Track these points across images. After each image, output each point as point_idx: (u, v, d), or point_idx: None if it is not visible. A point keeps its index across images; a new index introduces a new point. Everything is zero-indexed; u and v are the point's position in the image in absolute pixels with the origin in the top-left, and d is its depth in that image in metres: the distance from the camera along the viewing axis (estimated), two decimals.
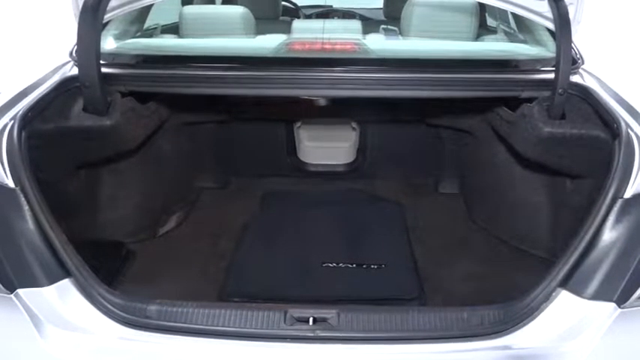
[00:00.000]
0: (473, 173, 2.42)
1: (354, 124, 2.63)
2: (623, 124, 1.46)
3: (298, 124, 2.63)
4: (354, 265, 1.94)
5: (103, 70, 1.69)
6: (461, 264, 2.07)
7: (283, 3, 3.25)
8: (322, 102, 1.92)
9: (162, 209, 2.31)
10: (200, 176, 2.63)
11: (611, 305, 1.22)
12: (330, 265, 1.94)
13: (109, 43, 1.91)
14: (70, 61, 1.85)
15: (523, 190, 2.15)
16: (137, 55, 1.87)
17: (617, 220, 1.29)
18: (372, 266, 1.94)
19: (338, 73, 1.71)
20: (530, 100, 1.74)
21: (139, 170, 2.18)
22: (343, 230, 2.20)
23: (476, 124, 2.26)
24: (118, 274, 1.95)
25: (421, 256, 2.08)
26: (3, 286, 1.24)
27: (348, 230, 2.20)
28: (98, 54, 1.65)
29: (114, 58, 1.82)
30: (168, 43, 2.13)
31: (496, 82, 1.74)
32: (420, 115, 2.44)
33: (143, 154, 2.16)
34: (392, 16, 2.85)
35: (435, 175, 2.67)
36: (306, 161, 2.69)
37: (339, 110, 2.40)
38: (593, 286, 1.23)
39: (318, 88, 1.72)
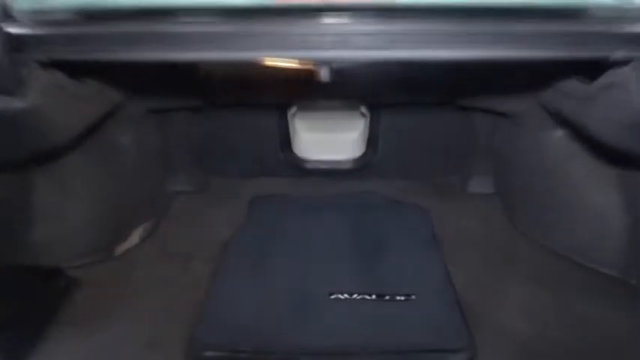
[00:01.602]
0: (514, 168, 1.91)
1: (363, 109, 2.12)
2: None
3: (293, 109, 2.11)
4: (373, 297, 1.43)
5: (11, 30, 1.17)
6: (511, 289, 1.56)
7: None
8: (324, 75, 1.44)
9: (120, 222, 1.79)
10: (172, 178, 2.11)
11: None
12: (341, 296, 1.43)
13: None
14: None
15: (587, 188, 1.64)
16: (62, 9, 1.33)
17: None
18: (398, 297, 1.43)
19: (346, 26, 1.20)
20: (621, 63, 1.23)
21: (88, 172, 1.67)
22: (355, 246, 1.69)
23: (523, 105, 1.74)
24: (55, 313, 1.44)
25: (458, 280, 1.57)
26: None
27: (362, 246, 1.70)
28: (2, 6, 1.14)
29: (27, 15, 1.28)
30: None
31: (573, 36, 1.22)
32: (450, 95, 1.93)
33: (91, 151, 1.64)
34: None
35: (463, 171, 2.16)
36: (304, 157, 2.17)
37: (344, 90, 1.88)
38: None
39: (320, 49, 1.20)
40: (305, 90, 1.87)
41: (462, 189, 2.13)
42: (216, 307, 1.42)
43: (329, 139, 2.20)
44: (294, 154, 2.16)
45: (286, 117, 2.09)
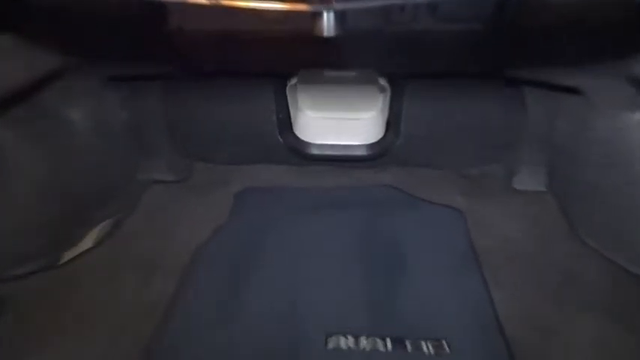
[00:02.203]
0: (579, 160, 1.46)
1: (382, 81, 1.67)
2: None
3: (294, 80, 1.67)
4: (388, 345, 1.01)
5: None
6: (577, 324, 1.14)
7: None
8: (327, 26, 1.03)
9: (69, 221, 1.41)
10: (145, 164, 1.72)
11: None
12: (343, 343, 1.01)
13: None
14: None
15: None
16: None
17: None
18: (424, 345, 1.01)
19: None
20: None
21: (22, 156, 1.28)
22: (365, 263, 1.28)
23: (601, 78, 1.30)
24: None
25: (505, 310, 1.16)
26: None
27: (375, 263, 1.28)
28: None
29: None
30: None
31: None
32: (496, 62, 1.47)
33: (26, 130, 1.26)
34: None
35: (507, 162, 1.72)
36: (307, 140, 1.73)
37: (357, 55, 1.46)
38: None
39: None
40: (307, 54, 1.44)
41: (505, 184, 1.68)
42: (166, 352, 1.03)
43: (339, 119, 1.76)
44: (295, 136, 1.73)
45: (285, 90, 1.66)
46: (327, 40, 1.30)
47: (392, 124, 1.68)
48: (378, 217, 1.48)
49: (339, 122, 1.76)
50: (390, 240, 1.37)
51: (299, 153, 1.74)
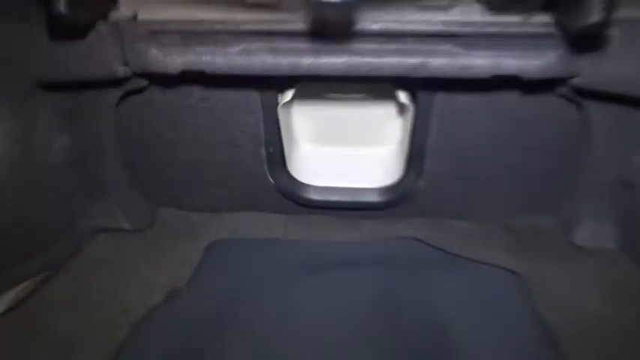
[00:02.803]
0: None
1: (403, 96, 1.26)
2: None
3: (287, 95, 1.26)
4: None
5: None
6: None
7: None
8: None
9: None
10: (92, 205, 1.32)
11: None
12: None
13: None
14: None
15: None
16: None
17: None
18: None
19: None
20: None
21: None
22: (390, 344, 0.86)
23: None
24: None
25: None
26: None
27: (404, 344, 0.86)
28: None
29: None
30: None
31: None
32: (557, 64, 1.07)
33: None
34: None
35: (565, 211, 1.31)
36: (305, 182, 1.36)
37: (373, 60, 1.10)
38: None
39: None
40: (306, 56, 1.07)
41: (563, 240, 1.29)
42: None
43: (346, 155, 1.41)
44: (289, 176, 1.34)
45: (276, 111, 1.25)
46: (334, 32, 0.96)
47: (414, 159, 1.29)
48: (402, 280, 1.06)
49: (346, 159, 1.40)
50: (423, 312, 0.95)
51: (294, 198, 1.35)
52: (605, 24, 0.82)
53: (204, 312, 1.00)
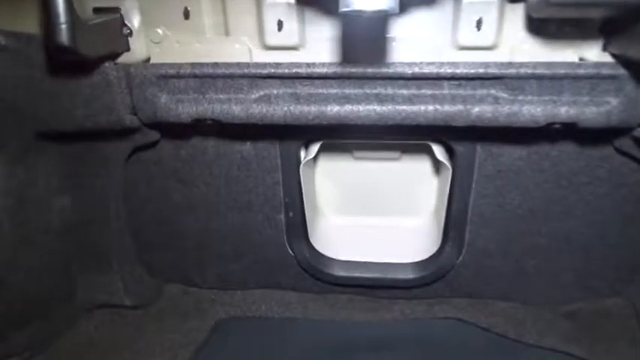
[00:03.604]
0: None
1: (440, 153, 1.10)
2: None
3: (311, 152, 1.13)
4: None
5: None
6: None
7: None
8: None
9: None
10: (91, 278, 1.17)
11: None
12: None
13: None
14: None
15: None
16: None
17: None
18: None
19: None
20: None
21: None
22: None
23: None
24: None
25: None
26: None
27: None
28: None
29: None
30: None
31: None
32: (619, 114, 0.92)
33: None
34: None
35: (631, 293, 1.12)
36: (329, 255, 1.20)
37: (406, 107, 0.99)
38: None
39: None
40: (333, 108, 0.96)
41: (634, 325, 1.08)
42: None
43: (376, 224, 1.26)
44: (312, 248, 1.19)
45: (297, 168, 1.12)
46: (363, 66, 0.85)
47: (452, 229, 1.12)
48: None
49: (376, 229, 1.25)
50: None
51: (315, 273, 1.19)
52: None
53: None
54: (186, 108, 0.95)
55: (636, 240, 1.08)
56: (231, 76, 0.92)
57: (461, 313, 1.13)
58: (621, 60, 0.85)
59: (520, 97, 0.89)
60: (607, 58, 0.86)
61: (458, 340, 1.01)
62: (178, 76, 0.93)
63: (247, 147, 1.08)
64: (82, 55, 0.79)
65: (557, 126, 0.91)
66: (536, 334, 1.08)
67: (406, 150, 1.18)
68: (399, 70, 0.89)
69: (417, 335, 1.02)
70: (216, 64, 0.92)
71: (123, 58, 0.92)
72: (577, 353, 1.00)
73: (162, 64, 0.93)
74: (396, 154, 1.18)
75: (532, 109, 0.89)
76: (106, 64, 0.90)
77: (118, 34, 0.89)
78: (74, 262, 1.15)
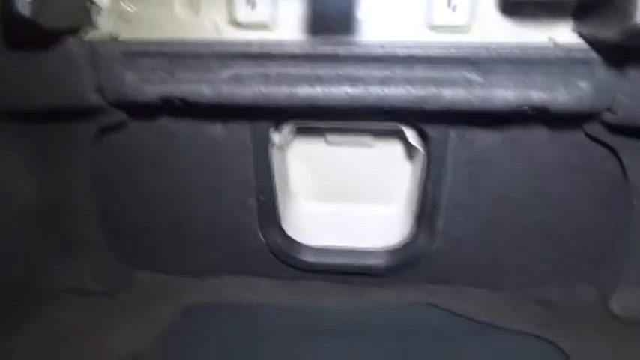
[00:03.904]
0: None
1: (413, 138, 1.08)
2: None
3: (282, 134, 1.10)
4: None
5: None
6: None
7: None
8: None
9: None
10: (60, 263, 1.14)
11: None
12: None
13: None
14: None
15: None
16: None
17: None
18: None
19: None
20: None
21: None
22: None
23: None
24: None
25: None
26: None
27: None
28: None
29: None
30: None
31: None
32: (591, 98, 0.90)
33: None
34: None
35: (602, 280, 1.14)
36: (301, 241, 1.19)
37: (378, 89, 0.97)
38: None
39: None
40: (302, 73, 0.93)
41: (605, 311, 1.08)
42: None
43: (349, 210, 1.24)
44: (283, 233, 1.17)
45: (268, 151, 1.09)
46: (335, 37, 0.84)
47: (426, 215, 1.12)
48: (420, 352, 0.86)
49: (349, 215, 1.24)
50: None
51: (288, 260, 1.17)
52: None
53: None
54: (154, 87, 0.92)
55: (607, 228, 1.09)
56: (200, 55, 0.90)
57: (433, 299, 1.13)
58: (592, 43, 0.85)
59: (492, 80, 0.88)
60: (579, 41, 0.86)
61: (430, 325, 1.01)
62: (146, 54, 0.90)
63: (218, 129, 1.06)
64: (43, 28, 0.76)
65: (529, 110, 0.91)
66: (507, 319, 1.08)
67: (380, 135, 1.17)
68: (371, 50, 0.87)
69: (389, 320, 1.02)
70: (184, 42, 0.90)
71: (87, 34, 0.89)
72: (546, 337, 1.01)
73: (129, 41, 0.90)
74: (369, 140, 1.16)
75: (504, 93, 0.88)
76: (70, 39, 0.87)
77: (82, 7, 0.86)
78: (42, 247, 1.12)
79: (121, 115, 1.02)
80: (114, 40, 0.91)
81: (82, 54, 0.89)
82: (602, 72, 0.86)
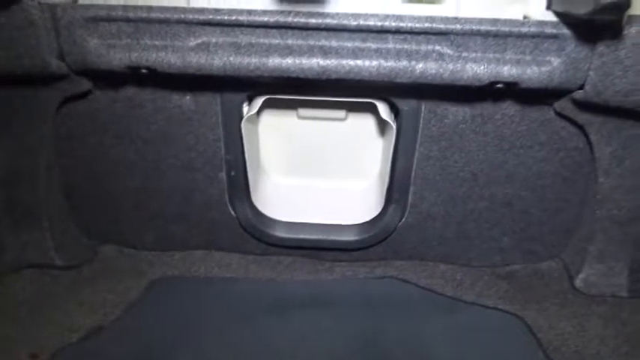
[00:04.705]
0: None
1: (384, 112, 1.06)
2: None
3: (253, 107, 1.07)
4: None
5: None
6: None
7: None
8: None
9: None
10: (20, 237, 1.10)
11: None
12: None
13: None
14: None
15: None
16: None
17: None
18: None
19: None
20: None
21: None
22: None
23: None
24: None
25: None
26: None
27: None
28: None
29: None
30: None
31: None
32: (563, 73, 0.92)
33: None
34: None
35: (567, 256, 1.15)
36: (272, 216, 1.18)
37: (350, 61, 0.96)
38: None
39: None
40: (273, 43, 0.92)
41: (569, 286, 1.11)
42: None
43: (320, 185, 1.23)
44: (254, 209, 1.16)
45: (239, 124, 1.06)
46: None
47: (396, 191, 1.12)
48: (386, 322, 0.87)
49: (320, 190, 1.23)
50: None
51: (258, 235, 1.16)
52: (621, 6, 0.69)
53: (127, 353, 0.78)
54: (119, 54, 0.89)
55: (572, 204, 1.11)
56: (167, 21, 0.87)
57: (402, 274, 1.14)
58: (564, 18, 0.85)
59: (464, 54, 0.88)
60: (551, 17, 0.86)
61: (397, 297, 1.02)
62: (110, 19, 0.87)
63: (187, 101, 1.03)
64: None
65: (500, 86, 0.91)
66: (473, 294, 1.09)
67: (352, 109, 1.15)
68: (344, 21, 0.86)
69: (358, 294, 1.03)
70: (150, 8, 0.86)
71: None
72: (511, 311, 1.02)
73: (92, 5, 0.86)
74: (341, 114, 1.15)
75: (476, 67, 0.88)
76: (29, 1, 0.83)
77: None
78: (2, 219, 1.09)
79: (85, 84, 0.99)
80: (75, 4, 0.88)
81: (42, 18, 0.86)
82: (574, 48, 0.87)
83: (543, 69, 0.87)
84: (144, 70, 0.90)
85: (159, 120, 1.06)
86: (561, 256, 1.15)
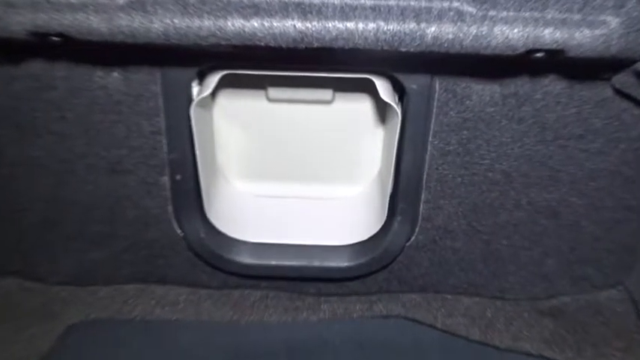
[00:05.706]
0: None
1: (385, 93, 1.03)
2: None
3: (206, 87, 1.03)
4: None
5: None
6: None
7: None
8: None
9: None
10: None
11: None
12: None
13: None
14: None
15: None
16: None
17: None
18: None
19: None
20: None
21: None
22: None
23: None
24: None
25: None
26: None
27: None
28: None
29: None
30: None
31: None
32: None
33: None
34: None
35: (632, 280, 1.19)
36: (233, 235, 1.15)
37: (338, 23, 0.98)
38: None
39: None
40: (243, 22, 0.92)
41: (634, 322, 1.11)
42: None
43: (299, 195, 1.22)
44: (209, 225, 1.13)
45: (187, 110, 1.02)
46: None
47: (402, 199, 1.08)
48: None
49: (299, 201, 1.21)
50: None
51: (215, 261, 1.12)
52: None
53: None
54: (20, 16, 0.86)
55: (637, 213, 1.10)
56: None
57: (411, 312, 1.07)
58: None
59: (492, 13, 0.86)
60: None
61: (405, 345, 0.98)
62: None
63: (114, 79, 0.94)
64: None
65: (539, 55, 0.93)
66: (509, 337, 1.05)
67: (341, 88, 1.08)
68: None
69: (351, 339, 0.98)
70: None
71: None
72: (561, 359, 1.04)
73: None
74: (327, 94, 1.07)
75: (507, 30, 0.87)
76: None
77: None
78: None
79: None
80: None
81: None
82: (637, 3, 0.89)
83: (597, 32, 0.88)
84: (55, 38, 0.89)
85: (76, 106, 0.97)
86: (625, 284, 1.11)
